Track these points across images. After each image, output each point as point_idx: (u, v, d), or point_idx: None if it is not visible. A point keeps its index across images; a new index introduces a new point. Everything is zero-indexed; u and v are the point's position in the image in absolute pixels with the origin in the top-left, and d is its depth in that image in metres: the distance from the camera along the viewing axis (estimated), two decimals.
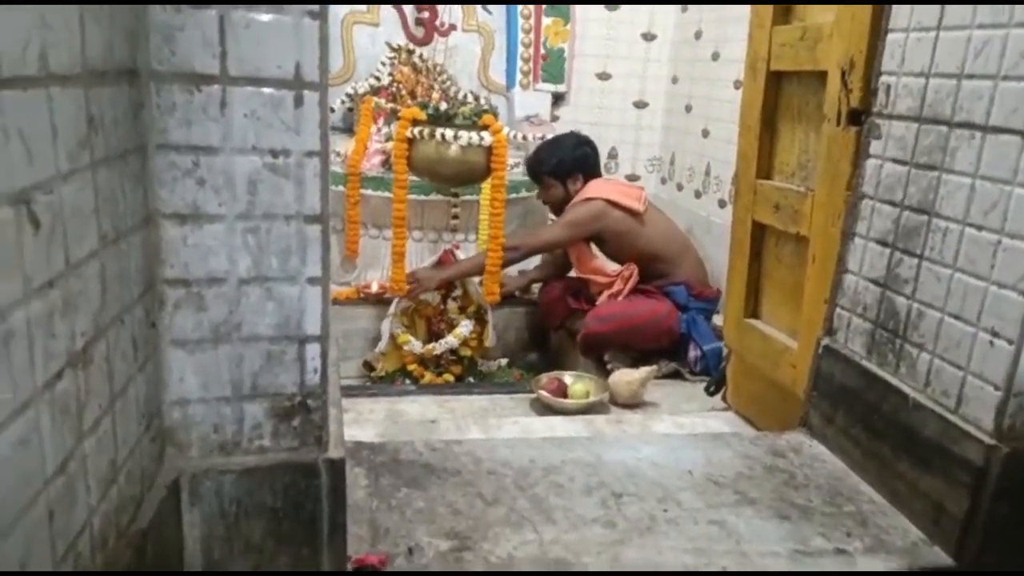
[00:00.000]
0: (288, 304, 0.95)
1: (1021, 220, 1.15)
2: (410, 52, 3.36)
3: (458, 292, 2.90)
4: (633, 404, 2.18)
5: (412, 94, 3.28)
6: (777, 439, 1.62)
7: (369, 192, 2.94)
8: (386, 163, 2.98)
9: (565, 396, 2.15)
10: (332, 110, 3.09)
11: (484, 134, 2.56)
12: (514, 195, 3.11)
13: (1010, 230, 1.17)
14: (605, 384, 2.21)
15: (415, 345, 2.76)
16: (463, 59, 3.56)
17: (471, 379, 2.84)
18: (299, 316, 0.96)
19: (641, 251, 2.73)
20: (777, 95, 1.84)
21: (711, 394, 2.19)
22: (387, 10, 3.43)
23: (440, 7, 3.45)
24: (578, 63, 3.70)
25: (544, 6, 3.54)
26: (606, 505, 1.33)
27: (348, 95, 3.22)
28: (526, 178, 3.24)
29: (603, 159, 3.31)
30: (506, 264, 2.85)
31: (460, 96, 3.35)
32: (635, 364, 2.38)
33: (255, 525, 0.99)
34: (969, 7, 1.25)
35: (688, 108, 3.55)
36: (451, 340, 2.78)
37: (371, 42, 3.42)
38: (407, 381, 2.75)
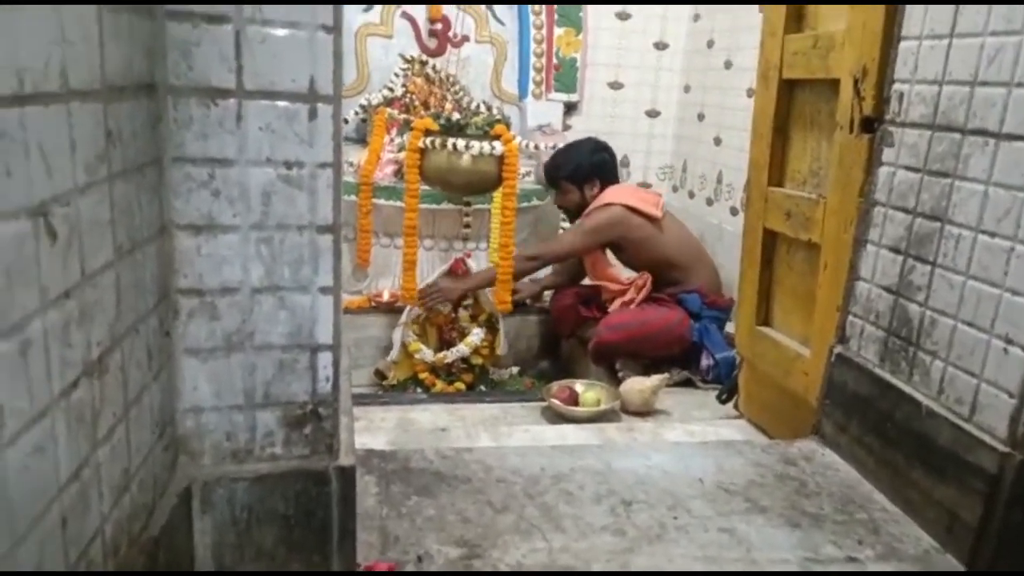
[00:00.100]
0: (300, 313, 0.96)
1: None
2: (423, 63, 3.38)
3: (469, 301, 2.91)
4: (645, 412, 2.17)
5: (425, 105, 3.30)
6: (789, 447, 1.61)
7: (381, 202, 2.96)
8: (399, 173, 3.00)
9: (576, 404, 2.15)
10: (346, 121, 3.12)
11: (496, 144, 2.58)
12: (525, 204, 3.12)
13: (1023, 237, 1.16)
14: (616, 392, 2.21)
15: (426, 354, 2.77)
16: (476, 70, 3.59)
17: (482, 387, 2.85)
18: (311, 325, 0.97)
19: (657, 258, 2.72)
20: (789, 103, 1.84)
21: (723, 402, 2.19)
22: (400, 22, 3.46)
23: (453, 18, 3.48)
24: (590, 72, 3.71)
25: (556, 16, 3.55)
26: (616, 513, 1.33)
27: (362, 106, 3.26)
28: (537, 187, 3.25)
29: None
30: (525, 274, 2.85)
31: (473, 106, 3.36)
32: (647, 372, 2.37)
33: (266, 532, 1.00)
34: (982, 15, 1.24)
35: (700, 117, 3.55)
36: (462, 348, 2.79)
37: (384, 54, 3.45)
38: (419, 389, 2.76)
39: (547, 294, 3.14)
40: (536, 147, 3.06)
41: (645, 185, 3.83)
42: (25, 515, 0.58)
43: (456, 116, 2.67)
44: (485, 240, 3.20)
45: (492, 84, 3.64)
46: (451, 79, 3.44)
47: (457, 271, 2.87)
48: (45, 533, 0.61)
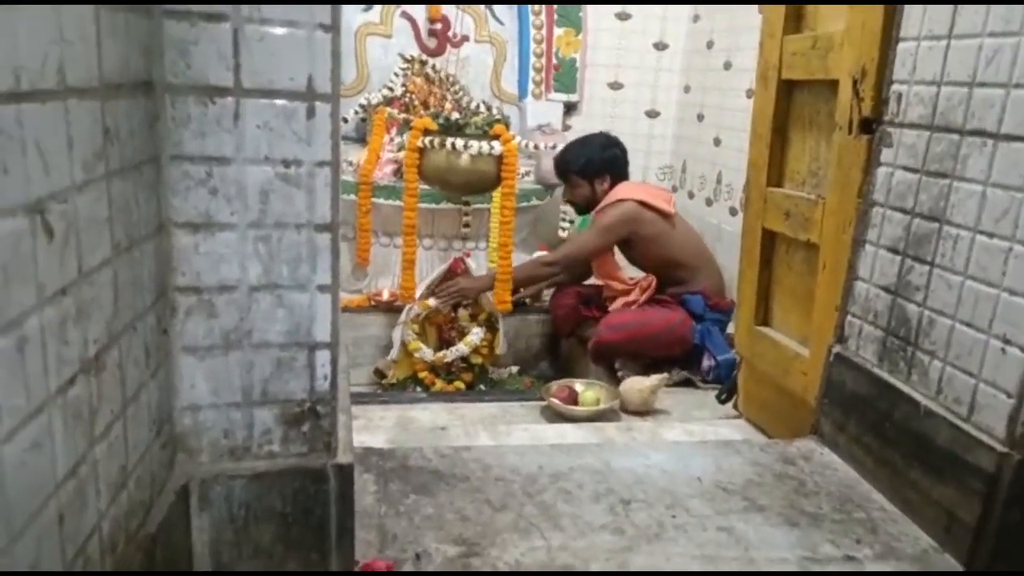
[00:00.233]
0: (298, 311, 0.96)
1: None
2: (423, 63, 3.39)
3: (469, 300, 2.91)
4: (644, 412, 2.17)
5: (425, 104, 3.30)
6: (788, 446, 1.61)
7: (381, 201, 2.96)
8: (398, 172, 3.00)
9: (576, 404, 2.15)
10: (345, 120, 3.12)
11: (494, 143, 2.58)
12: (524, 203, 3.12)
13: (1021, 237, 1.16)
14: (616, 392, 2.21)
15: (426, 353, 2.77)
16: (475, 70, 3.59)
17: (482, 386, 2.85)
18: (309, 323, 0.97)
19: (666, 256, 2.69)
20: (788, 104, 1.84)
21: (722, 402, 2.19)
22: (400, 22, 3.46)
23: (452, 18, 3.48)
24: (590, 73, 3.71)
25: (556, 16, 3.56)
26: (614, 512, 1.33)
27: (361, 106, 3.26)
28: (537, 187, 3.25)
29: None
30: (542, 280, 2.84)
31: (472, 106, 3.37)
32: (646, 372, 2.37)
33: (264, 530, 1.00)
34: (980, 16, 1.24)
35: (700, 117, 3.55)
36: (462, 348, 2.79)
37: (384, 53, 3.45)
38: (418, 388, 2.77)
39: (547, 293, 3.13)
40: (535, 147, 3.06)
41: None
42: (22, 511, 0.59)
43: (455, 116, 2.68)
44: (484, 239, 3.20)
45: (492, 84, 3.64)
46: (451, 79, 3.45)
47: (456, 270, 2.87)
48: (42, 529, 0.62)
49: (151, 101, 0.84)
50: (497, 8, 3.57)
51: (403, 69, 3.36)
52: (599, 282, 2.91)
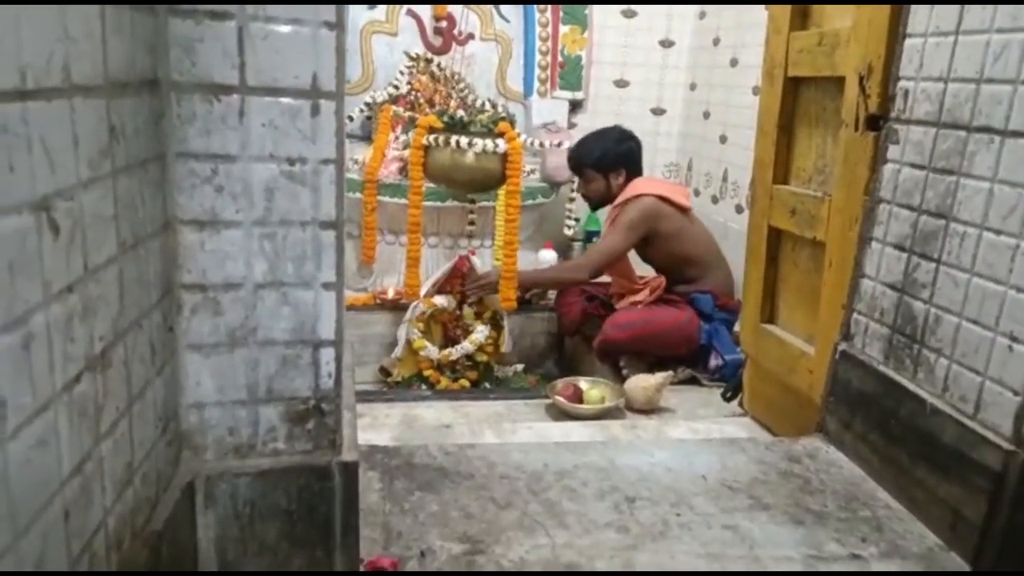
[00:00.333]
0: (303, 309, 0.97)
1: None
2: (428, 61, 3.39)
3: (474, 298, 2.92)
4: (649, 410, 2.17)
5: (430, 102, 3.30)
6: (793, 444, 1.61)
7: (386, 199, 2.97)
8: (403, 170, 3.00)
9: (581, 401, 2.15)
10: (350, 118, 3.13)
11: (499, 141, 2.58)
12: (530, 201, 3.12)
13: None
14: (621, 390, 2.21)
15: (431, 351, 2.77)
16: (481, 67, 3.59)
17: (487, 384, 2.85)
18: (314, 321, 0.97)
19: (682, 253, 2.66)
20: (794, 100, 1.84)
21: (728, 400, 2.18)
22: (405, 19, 3.46)
23: (458, 16, 3.48)
24: (596, 70, 3.70)
25: (561, 14, 3.55)
26: (619, 510, 1.33)
27: (367, 104, 3.26)
28: (542, 185, 3.25)
29: None
30: (572, 285, 2.81)
31: (478, 104, 3.37)
32: (651, 370, 2.37)
33: (269, 527, 1.00)
34: (988, 12, 1.24)
35: (706, 114, 3.54)
36: (467, 346, 2.79)
37: (389, 51, 3.45)
38: (423, 386, 2.77)
39: (552, 291, 3.13)
40: (541, 145, 3.06)
41: None
42: (28, 508, 0.59)
43: (461, 114, 2.68)
44: (490, 237, 3.20)
45: (497, 82, 3.64)
46: (456, 77, 3.44)
47: (462, 268, 2.88)
48: (48, 526, 0.62)
49: (156, 99, 0.85)
50: (503, 6, 3.57)
51: (408, 67, 3.36)
52: (607, 280, 2.89)
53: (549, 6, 3.52)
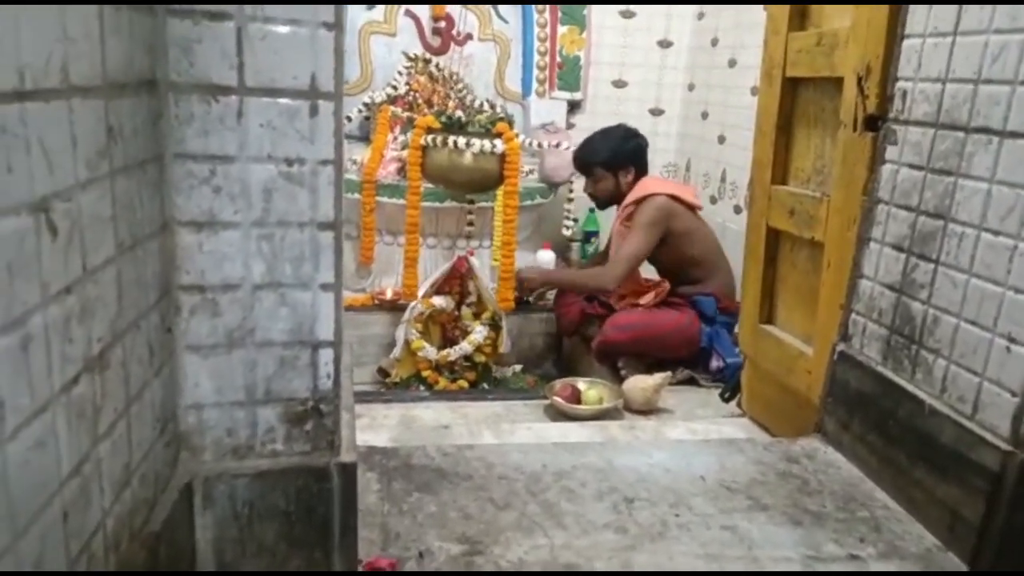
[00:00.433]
0: (301, 310, 0.96)
1: None
2: (427, 61, 3.39)
3: (473, 299, 2.92)
4: (647, 410, 2.17)
5: (429, 103, 3.30)
6: (791, 445, 1.61)
7: (384, 199, 2.96)
8: (402, 171, 3.00)
9: (579, 402, 2.15)
10: (349, 119, 3.12)
11: (497, 142, 2.58)
12: (528, 202, 3.12)
13: None
14: (619, 390, 2.21)
15: (429, 351, 2.77)
16: (479, 68, 3.59)
17: (485, 385, 2.85)
18: (312, 322, 0.97)
19: (690, 254, 2.64)
20: (793, 101, 1.84)
21: (726, 400, 2.18)
22: (404, 20, 3.46)
23: (456, 16, 3.48)
24: (594, 71, 3.70)
25: (560, 14, 3.55)
26: (618, 510, 1.33)
27: (365, 104, 3.26)
28: (540, 185, 3.25)
29: None
30: (599, 292, 2.74)
31: (476, 105, 3.37)
32: (649, 371, 2.37)
33: (267, 528, 1.00)
34: (986, 13, 1.24)
35: (704, 115, 3.55)
36: (465, 346, 2.79)
37: (388, 52, 3.45)
38: (421, 387, 2.77)
39: (550, 292, 3.13)
40: (539, 145, 3.06)
41: None
42: (26, 509, 0.59)
43: (459, 114, 2.68)
44: (488, 238, 3.20)
45: (495, 82, 3.64)
46: (454, 77, 3.44)
47: (460, 269, 2.88)
48: (46, 527, 0.62)
49: (155, 100, 0.85)
50: (501, 6, 3.57)
51: (407, 67, 3.36)
52: None
53: (547, 7, 3.52)
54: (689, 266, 2.66)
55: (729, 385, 2.21)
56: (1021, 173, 1.18)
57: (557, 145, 3.07)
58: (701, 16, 3.60)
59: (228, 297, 0.94)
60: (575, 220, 3.30)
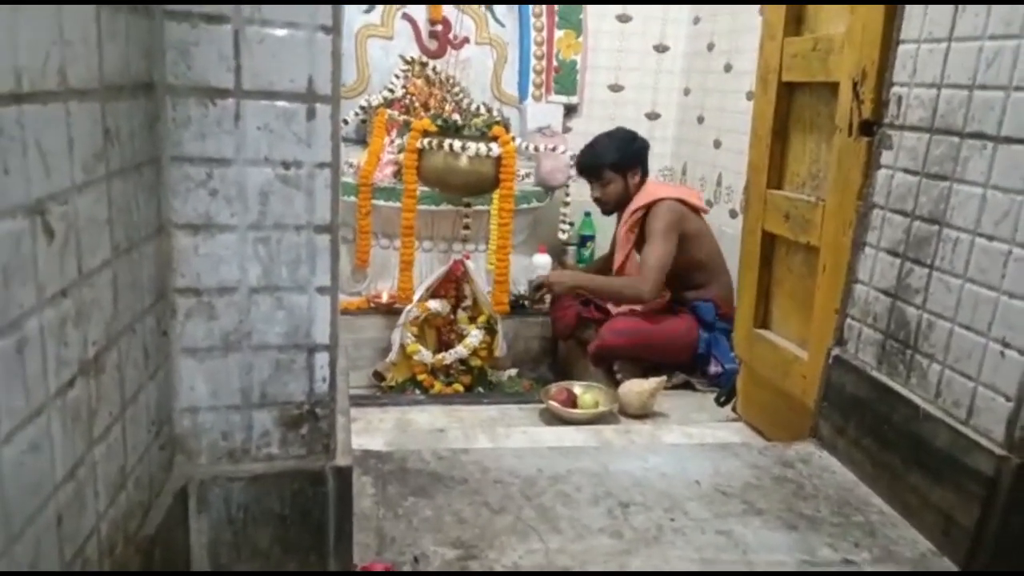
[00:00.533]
0: (297, 313, 0.96)
1: None
2: (423, 65, 3.39)
3: (468, 302, 2.92)
4: (643, 415, 2.17)
5: (425, 106, 3.30)
6: (786, 449, 1.61)
7: (381, 203, 2.96)
8: (398, 174, 3.00)
9: (574, 406, 2.15)
10: (345, 122, 3.12)
11: (493, 145, 2.58)
12: (524, 206, 3.12)
13: (1021, 240, 1.16)
14: (615, 394, 2.21)
15: (425, 355, 2.77)
16: (476, 71, 3.59)
17: (480, 389, 2.85)
18: (308, 325, 0.97)
19: (695, 259, 2.63)
20: (788, 106, 1.85)
21: (721, 405, 2.19)
22: (401, 23, 3.46)
23: (453, 20, 3.48)
24: (590, 75, 3.71)
25: (556, 18, 3.56)
26: (613, 515, 1.33)
27: (362, 107, 3.25)
28: (537, 189, 3.25)
29: None
30: (633, 303, 2.65)
31: (473, 108, 3.36)
32: (645, 375, 2.37)
33: (262, 532, 1.00)
34: (981, 19, 1.25)
35: (700, 119, 3.55)
36: (461, 350, 2.79)
37: (385, 55, 3.45)
38: (417, 391, 2.76)
39: (546, 296, 3.12)
40: (536, 149, 3.06)
41: None
42: (21, 513, 0.58)
43: (456, 118, 2.68)
44: (484, 241, 3.20)
45: (492, 86, 3.64)
46: (451, 81, 3.45)
47: (456, 273, 2.87)
48: (40, 530, 0.61)
49: (152, 102, 0.84)
50: (498, 10, 3.58)
51: (404, 71, 3.36)
52: None
53: (544, 9, 3.52)
54: (695, 269, 2.65)
55: (725, 389, 2.21)
56: (1015, 178, 1.18)
57: (553, 149, 3.08)
58: (697, 21, 3.61)
59: (224, 300, 0.94)
60: (571, 224, 3.31)
